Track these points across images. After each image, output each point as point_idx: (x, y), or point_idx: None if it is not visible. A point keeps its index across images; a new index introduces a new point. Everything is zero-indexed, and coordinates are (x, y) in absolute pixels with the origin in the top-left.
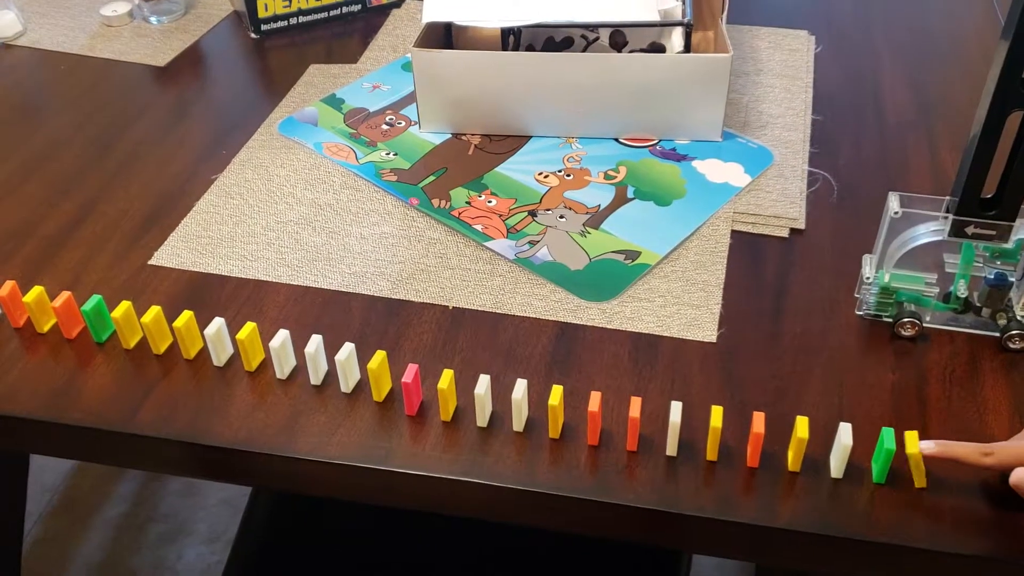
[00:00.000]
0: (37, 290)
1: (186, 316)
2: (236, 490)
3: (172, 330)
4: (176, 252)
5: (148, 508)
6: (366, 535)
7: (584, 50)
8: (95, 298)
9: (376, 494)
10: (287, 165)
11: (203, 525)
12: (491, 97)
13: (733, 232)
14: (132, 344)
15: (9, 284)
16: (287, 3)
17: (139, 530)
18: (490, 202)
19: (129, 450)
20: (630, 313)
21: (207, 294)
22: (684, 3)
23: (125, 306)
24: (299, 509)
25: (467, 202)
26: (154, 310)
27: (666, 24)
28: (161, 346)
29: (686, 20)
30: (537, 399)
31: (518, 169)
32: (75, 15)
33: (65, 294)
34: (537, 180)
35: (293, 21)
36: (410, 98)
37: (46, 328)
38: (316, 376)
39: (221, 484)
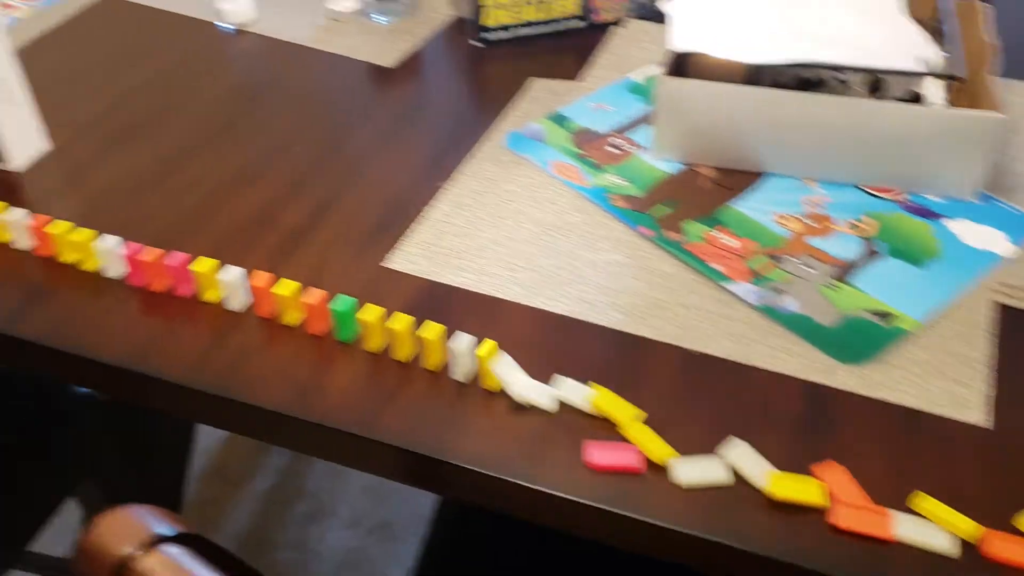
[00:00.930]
0: (291, 285)
1: (436, 329)
2: (380, 479)
3: (415, 339)
4: (410, 258)
5: (295, 484)
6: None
7: (835, 93)
8: (347, 300)
9: (618, 537)
10: (514, 180)
11: (345, 508)
12: (732, 130)
13: (1003, 307)
14: (376, 348)
15: (264, 275)
16: (514, 15)
17: (284, 505)
18: (728, 240)
19: (365, 453)
20: (888, 381)
21: (441, 304)
22: (945, 49)
23: (376, 312)
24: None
25: (702, 237)
26: (404, 319)
27: (929, 74)
28: (404, 354)
29: (959, 76)
30: (787, 463)
31: (755, 208)
32: (304, 7)
33: (318, 293)
34: (776, 222)
35: (516, 33)
36: (637, 121)
37: (292, 322)
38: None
39: None
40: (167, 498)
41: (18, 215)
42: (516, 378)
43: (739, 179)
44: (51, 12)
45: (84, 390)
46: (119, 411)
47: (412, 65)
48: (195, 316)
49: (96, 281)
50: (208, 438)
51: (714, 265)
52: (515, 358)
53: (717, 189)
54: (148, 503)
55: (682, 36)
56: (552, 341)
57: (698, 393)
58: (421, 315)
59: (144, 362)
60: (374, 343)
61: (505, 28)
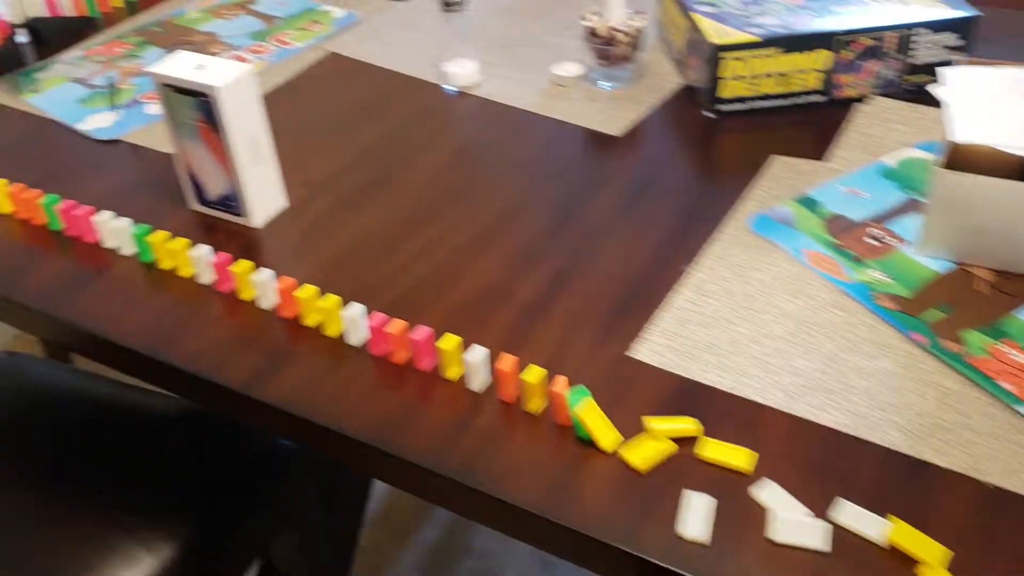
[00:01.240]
0: (538, 372)
1: (724, 449)
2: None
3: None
4: (655, 349)
5: (462, 539)
6: None
7: None
8: (584, 397)
9: None
10: (764, 268)
11: (512, 573)
12: (1017, 230)
13: None
14: (630, 460)
15: (509, 359)
16: (751, 86)
17: (451, 560)
18: (1017, 356)
19: (622, 566)
20: None
21: (693, 404)
22: None
23: (611, 435)
24: None
25: (986, 350)
26: (661, 442)
27: None
28: (650, 463)
29: None
30: None
31: None
32: (528, 71)
33: (560, 381)
34: None
35: (753, 105)
36: (896, 211)
37: (535, 409)
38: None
39: None
40: (348, 545)
41: (265, 276)
42: (784, 514)
43: (1023, 285)
44: (281, 67)
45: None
46: (321, 461)
47: (640, 134)
48: (436, 393)
49: (337, 347)
50: (377, 485)
51: (1005, 384)
52: (779, 474)
53: (998, 295)
54: (333, 551)
55: (964, 126)
56: (820, 457)
57: (999, 536)
58: (671, 414)
59: (386, 438)
60: (632, 456)
61: (741, 100)
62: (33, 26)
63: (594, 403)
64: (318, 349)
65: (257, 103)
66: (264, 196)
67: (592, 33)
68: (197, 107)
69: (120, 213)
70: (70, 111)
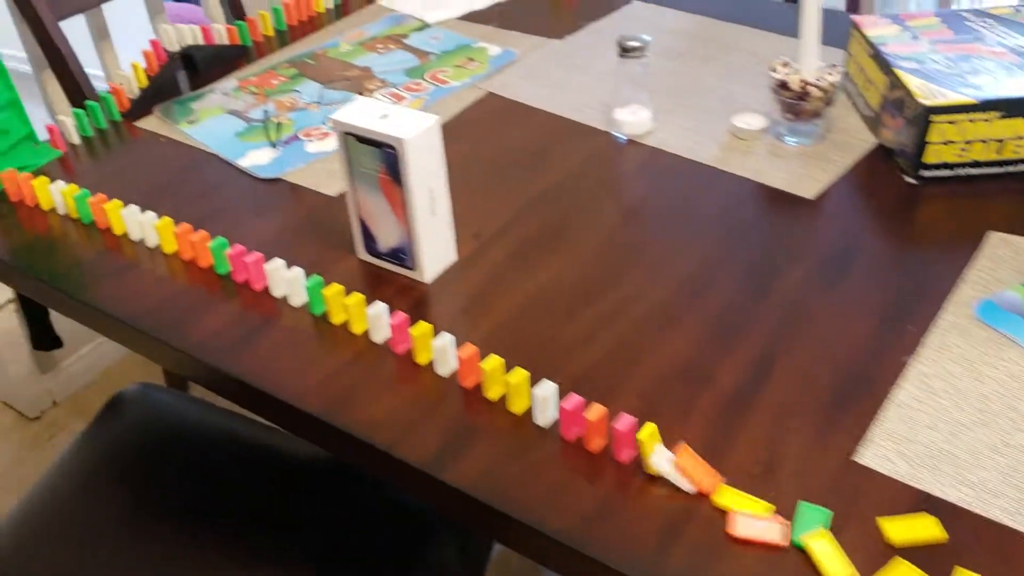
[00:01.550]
0: (761, 506)
1: None
2: None
3: None
4: (884, 454)
5: None
6: None
7: None
8: (818, 520)
9: None
10: (998, 366)
11: None
12: None
13: None
14: None
15: (717, 482)
16: (961, 152)
17: None
18: None
19: None
20: None
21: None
22: None
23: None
24: None
25: None
26: None
27: None
28: None
29: None
30: None
31: None
32: (704, 120)
33: (785, 492)
34: None
35: (961, 172)
36: None
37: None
38: None
39: None
40: None
41: (446, 341)
42: None
43: None
44: (439, 106)
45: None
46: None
47: (833, 197)
48: (637, 489)
49: (522, 426)
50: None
51: None
52: None
53: None
54: None
55: None
56: None
57: None
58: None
59: (587, 540)
60: None
61: (948, 166)
62: (188, 54)
63: (829, 535)
64: (501, 427)
65: (440, 155)
66: (436, 250)
67: (782, 86)
68: (380, 158)
69: (282, 257)
70: (229, 145)
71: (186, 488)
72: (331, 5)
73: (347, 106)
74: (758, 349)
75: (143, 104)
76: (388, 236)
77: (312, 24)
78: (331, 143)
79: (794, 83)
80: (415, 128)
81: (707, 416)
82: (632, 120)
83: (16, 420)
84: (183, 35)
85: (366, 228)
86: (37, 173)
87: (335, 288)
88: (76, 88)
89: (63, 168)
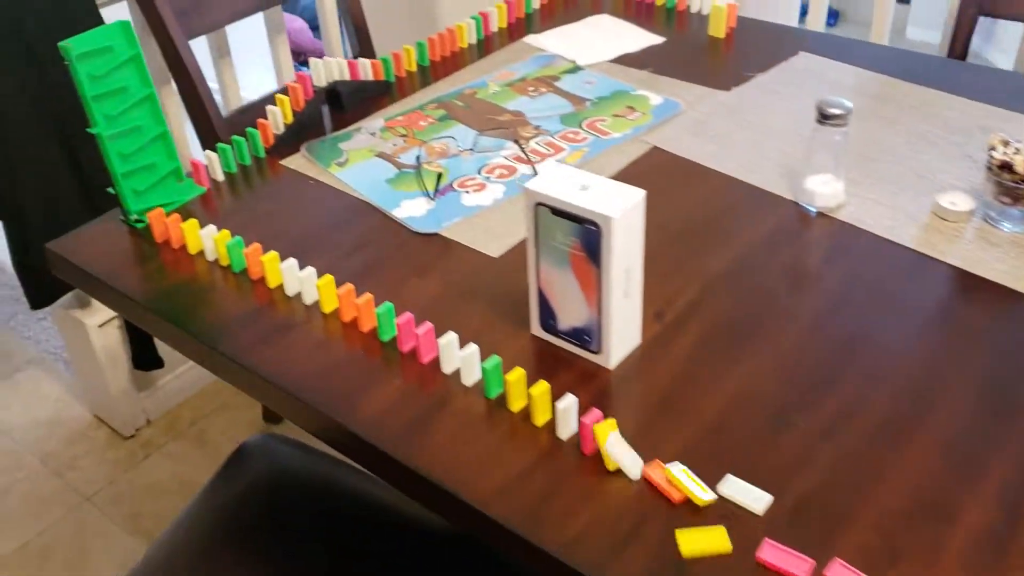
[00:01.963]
0: None
1: None
2: None
3: None
4: None
5: None
6: None
7: None
8: None
9: None
10: None
11: None
12: None
13: None
14: None
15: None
16: None
17: None
18: None
19: None
20: None
21: None
22: None
23: None
24: None
25: None
26: None
27: None
28: None
29: None
30: None
31: None
32: (899, 195)
33: None
34: None
35: None
36: None
37: None
38: None
39: None
40: None
41: (628, 462)
42: None
43: None
44: (600, 161)
45: None
46: None
47: None
48: None
49: (743, 561)
50: None
51: None
52: None
53: None
54: None
55: None
56: None
57: None
58: None
59: None
60: None
61: None
62: (333, 89)
63: None
64: (716, 564)
65: (642, 233)
66: (623, 334)
67: (1004, 167)
68: (576, 233)
69: (444, 324)
70: (381, 193)
71: (312, 552)
72: (474, 40)
73: (542, 174)
74: (1002, 481)
75: (288, 140)
76: (572, 315)
77: (455, 60)
78: (488, 196)
79: (1019, 165)
80: (621, 204)
81: (956, 557)
82: (824, 191)
83: (110, 438)
84: (330, 69)
85: (546, 303)
86: (180, 210)
87: (518, 373)
88: (200, 108)
89: (205, 206)
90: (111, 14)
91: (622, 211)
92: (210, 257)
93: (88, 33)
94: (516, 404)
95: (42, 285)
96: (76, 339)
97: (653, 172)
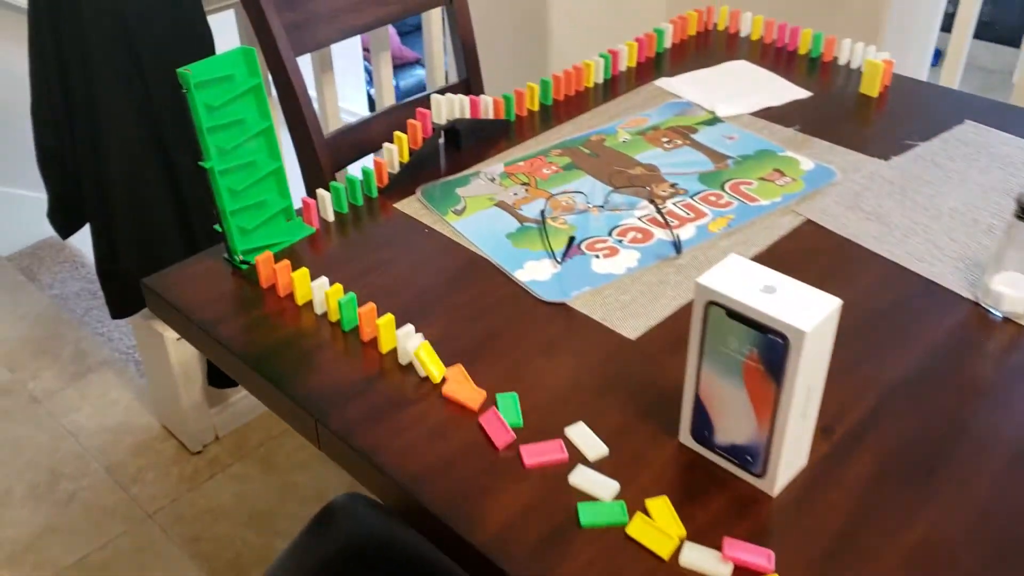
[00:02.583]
0: None
1: None
2: None
3: None
4: None
5: None
6: None
7: None
8: None
9: None
10: None
11: None
12: None
13: None
14: None
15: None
16: None
17: None
18: None
19: None
20: None
21: None
22: None
23: None
24: None
25: None
26: None
27: None
28: None
29: None
30: None
31: None
32: None
33: None
34: None
35: None
36: None
37: None
38: None
39: None
40: None
41: None
42: None
43: None
44: (747, 232)
45: None
46: None
47: None
48: None
49: None
50: None
51: None
52: None
53: None
54: None
55: None
56: None
57: None
58: None
59: None
60: None
61: None
62: (452, 128)
63: None
64: None
65: (830, 347)
66: (791, 457)
67: None
68: (755, 342)
69: (577, 416)
70: (502, 250)
71: None
72: (600, 80)
73: (719, 266)
74: None
75: (403, 180)
76: (734, 430)
77: (580, 100)
78: (621, 263)
79: None
80: (813, 315)
81: None
82: (1014, 295)
83: (178, 453)
84: (451, 106)
85: (703, 412)
86: (287, 252)
87: (660, 506)
88: (303, 129)
89: (313, 248)
90: (218, 23)
91: (815, 323)
92: (318, 310)
93: (209, 60)
94: (665, 550)
95: (125, 295)
96: (152, 348)
97: (809, 251)
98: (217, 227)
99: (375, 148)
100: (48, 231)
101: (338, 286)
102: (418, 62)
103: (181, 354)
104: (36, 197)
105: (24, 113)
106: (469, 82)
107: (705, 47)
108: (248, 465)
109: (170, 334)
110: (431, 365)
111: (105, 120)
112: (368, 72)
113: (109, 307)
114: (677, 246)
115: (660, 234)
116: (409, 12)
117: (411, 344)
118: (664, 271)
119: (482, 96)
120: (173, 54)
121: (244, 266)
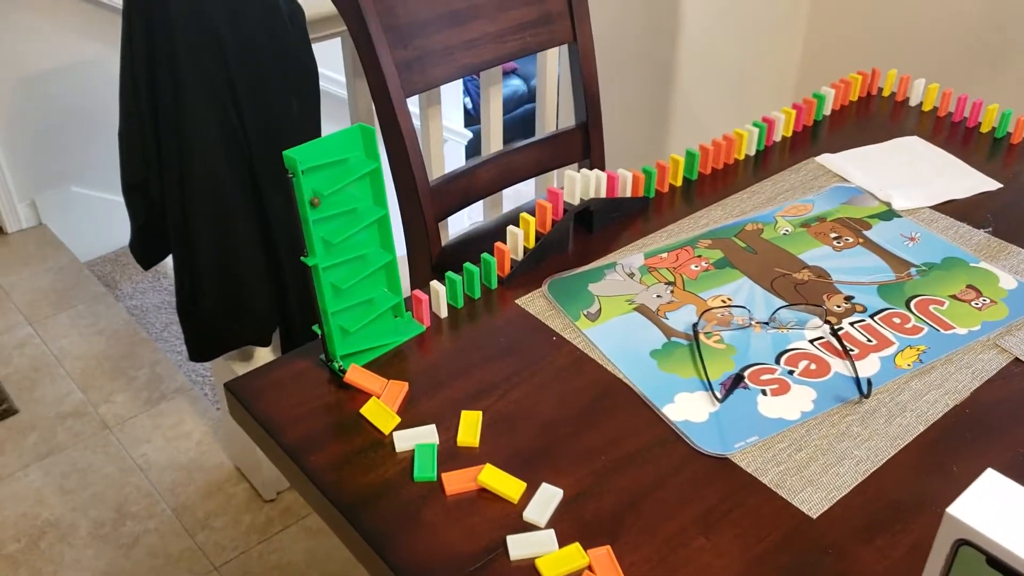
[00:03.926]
0: None
1: None
2: None
3: None
4: None
5: None
6: None
7: None
8: None
9: None
10: None
11: None
12: None
13: None
14: None
15: None
16: None
17: None
18: None
19: None
20: None
21: None
22: None
23: None
24: None
25: None
26: None
27: None
28: None
29: None
30: None
31: None
32: None
33: None
34: None
35: None
36: None
37: None
38: None
39: None
40: None
41: None
42: None
43: None
44: (940, 371)
45: None
46: None
47: None
48: None
49: None
50: None
51: None
52: None
53: None
54: None
55: None
56: None
57: None
58: None
59: None
60: None
61: None
62: (586, 208)
63: None
64: None
65: None
66: None
67: None
68: None
69: None
70: (647, 374)
71: None
72: (752, 152)
73: (972, 489)
74: None
75: (527, 268)
76: None
77: (727, 176)
78: (793, 404)
79: None
80: None
81: None
82: None
83: (249, 498)
84: (586, 183)
85: None
86: (392, 355)
87: None
88: (408, 175)
89: (421, 351)
90: (324, 52)
91: None
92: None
93: (320, 141)
94: None
95: (204, 337)
96: None
97: (1017, 406)
98: (316, 328)
99: (481, 196)
100: None
101: (432, 446)
102: (515, 72)
103: None
104: (118, 201)
105: (112, 113)
106: (588, 125)
107: (866, 116)
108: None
109: None
110: (574, 559)
111: (194, 151)
112: (465, 85)
113: (188, 348)
114: (861, 387)
115: (837, 365)
116: (528, 51)
117: (544, 513)
118: (846, 420)
119: (619, 170)
120: (273, 87)
121: (342, 374)
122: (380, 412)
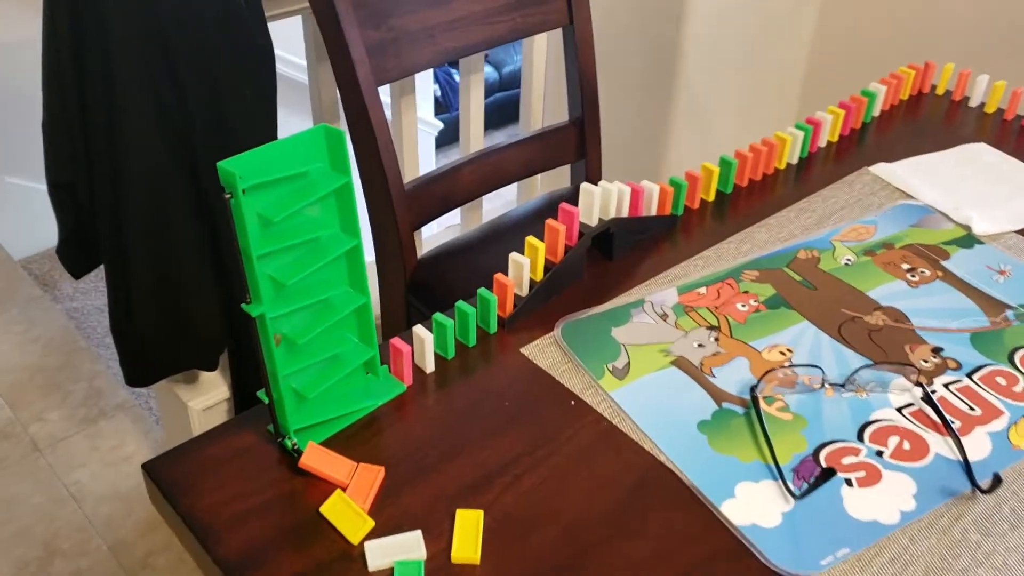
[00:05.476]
0: None
1: None
2: None
3: None
4: None
5: None
6: None
7: None
8: None
9: None
10: None
11: None
12: None
13: None
14: None
15: None
16: None
17: None
18: None
19: None
20: None
21: None
22: None
23: None
24: None
25: None
26: None
27: None
28: None
29: None
30: None
31: None
32: None
33: None
34: None
35: None
36: None
37: None
38: None
39: None
40: None
41: None
42: None
43: None
44: None
45: None
46: None
47: None
48: None
49: None
50: None
51: None
52: None
53: None
54: None
55: None
56: None
57: None
58: None
59: None
60: None
61: None
62: (606, 230)
63: None
64: None
65: None
66: None
67: None
68: None
69: None
70: (697, 456)
71: None
72: (794, 160)
73: None
74: None
75: (534, 307)
76: None
77: (767, 188)
78: (890, 500)
79: None
80: None
81: None
82: None
83: None
84: (606, 199)
85: None
86: (364, 423)
87: None
88: (380, 176)
89: (401, 419)
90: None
91: None
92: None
93: (270, 147)
94: None
95: (141, 360)
96: (175, 416)
97: None
98: (261, 394)
99: (463, 201)
100: None
101: (419, 563)
102: (486, 59)
103: (208, 426)
104: None
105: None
106: (584, 121)
107: (914, 116)
108: None
109: (196, 404)
110: None
111: (129, 147)
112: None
113: (123, 371)
114: (975, 478)
115: (935, 442)
116: (519, 34)
117: None
118: (961, 524)
119: (644, 182)
120: (222, 72)
121: (296, 454)
122: (346, 512)
